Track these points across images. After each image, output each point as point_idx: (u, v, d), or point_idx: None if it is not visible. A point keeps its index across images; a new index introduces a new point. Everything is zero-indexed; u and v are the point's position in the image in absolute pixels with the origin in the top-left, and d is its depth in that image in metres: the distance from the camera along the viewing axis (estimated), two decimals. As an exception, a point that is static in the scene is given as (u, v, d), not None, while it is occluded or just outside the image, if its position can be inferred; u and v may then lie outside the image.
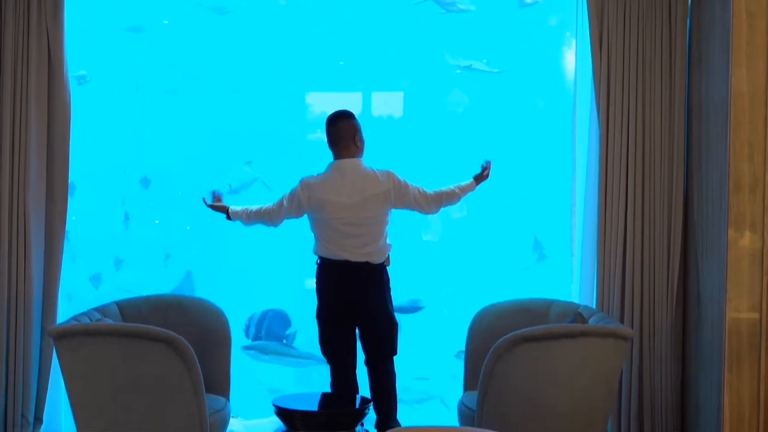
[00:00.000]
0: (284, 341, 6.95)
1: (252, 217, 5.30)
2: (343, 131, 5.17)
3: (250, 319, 7.01)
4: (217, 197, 5.42)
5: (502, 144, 7.26)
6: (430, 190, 5.22)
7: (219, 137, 7.32)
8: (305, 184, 5.17)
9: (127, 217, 7.28)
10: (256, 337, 6.93)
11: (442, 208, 5.29)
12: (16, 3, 5.46)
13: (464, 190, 5.30)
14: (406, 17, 7.11)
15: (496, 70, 7.27)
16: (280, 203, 5.22)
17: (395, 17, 7.10)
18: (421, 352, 6.58)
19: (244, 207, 5.35)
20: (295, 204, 5.16)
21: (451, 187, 5.29)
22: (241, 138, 7.36)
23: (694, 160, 5.46)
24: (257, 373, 6.97)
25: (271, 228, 5.34)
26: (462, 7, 6.90)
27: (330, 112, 5.27)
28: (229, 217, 5.37)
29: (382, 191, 5.11)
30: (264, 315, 7.01)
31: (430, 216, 5.87)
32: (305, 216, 5.22)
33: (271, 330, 6.97)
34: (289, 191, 5.21)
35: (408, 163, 6.37)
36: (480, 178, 5.35)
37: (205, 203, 5.42)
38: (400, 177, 5.17)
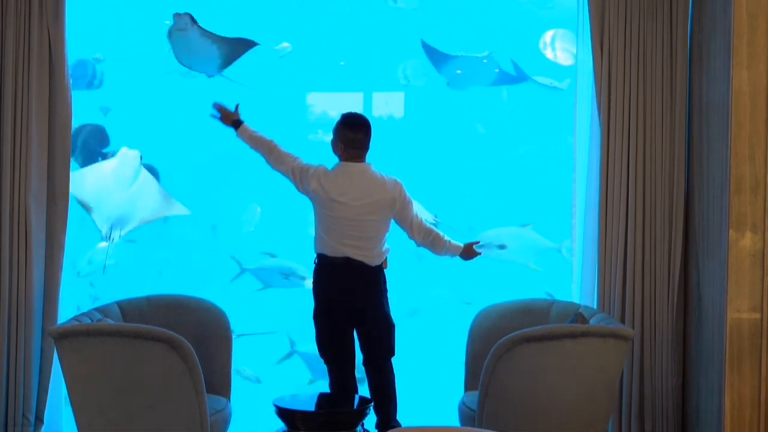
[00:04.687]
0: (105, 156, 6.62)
1: (258, 143, 5.14)
2: (368, 140, 5.10)
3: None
4: (219, 108, 5.24)
5: (503, 144, 7.26)
6: (425, 223, 5.22)
7: (218, 137, 7.32)
8: (323, 172, 5.06)
9: None
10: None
11: (423, 246, 5.24)
12: (18, 4, 5.46)
13: (449, 249, 5.26)
14: (406, 17, 7.11)
15: (497, 70, 7.27)
16: (295, 158, 5.10)
17: (395, 17, 7.10)
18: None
19: (259, 133, 5.17)
20: (306, 176, 5.05)
21: (444, 235, 5.25)
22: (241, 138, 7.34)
23: (695, 160, 5.45)
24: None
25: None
26: None
27: (331, 112, 5.24)
28: (238, 133, 5.19)
29: (388, 198, 5.08)
30: (81, 129, 6.75)
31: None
32: (307, 216, 5.20)
33: (87, 144, 6.72)
34: (309, 163, 5.09)
35: (409, 163, 6.37)
36: (470, 250, 5.28)
37: (218, 114, 5.23)
38: (407, 193, 5.15)
